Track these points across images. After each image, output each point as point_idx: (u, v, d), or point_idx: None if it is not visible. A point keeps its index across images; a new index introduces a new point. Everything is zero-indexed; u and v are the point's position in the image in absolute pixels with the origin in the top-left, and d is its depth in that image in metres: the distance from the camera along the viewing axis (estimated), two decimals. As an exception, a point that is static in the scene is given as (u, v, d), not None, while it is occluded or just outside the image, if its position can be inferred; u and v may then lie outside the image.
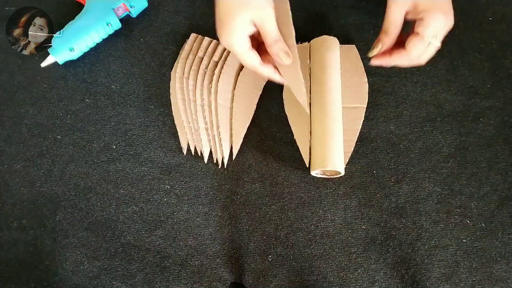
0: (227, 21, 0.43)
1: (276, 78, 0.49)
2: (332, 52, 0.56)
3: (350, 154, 0.55)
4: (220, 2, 0.44)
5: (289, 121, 0.57)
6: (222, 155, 0.57)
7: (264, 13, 0.43)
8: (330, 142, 0.52)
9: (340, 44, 0.58)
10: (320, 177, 0.56)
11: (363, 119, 0.56)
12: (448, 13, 0.45)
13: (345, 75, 0.57)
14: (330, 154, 0.51)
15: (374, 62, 0.49)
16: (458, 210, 0.55)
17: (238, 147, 0.57)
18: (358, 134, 0.55)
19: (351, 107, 0.56)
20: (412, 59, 0.47)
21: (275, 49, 0.45)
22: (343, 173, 0.52)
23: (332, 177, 0.55)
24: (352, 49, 0.59)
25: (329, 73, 0.55)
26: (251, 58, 0.45)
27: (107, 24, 0.59)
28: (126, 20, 0.63)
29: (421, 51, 0.46)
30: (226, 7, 0.43)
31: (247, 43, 0.44)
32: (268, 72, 0.48)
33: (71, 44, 0.58)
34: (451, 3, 0.46)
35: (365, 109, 0.56)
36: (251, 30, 0.44)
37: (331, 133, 0.52)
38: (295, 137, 0.56)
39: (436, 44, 0.46)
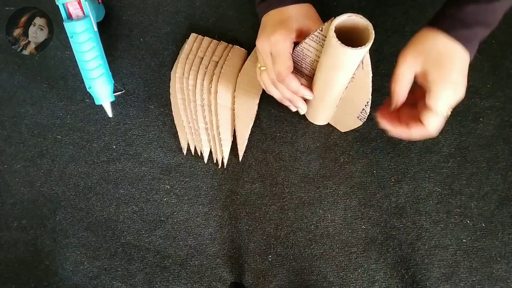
0: (280, 25, 0.45)
1: (305, 93, 0.47)
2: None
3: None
4: (268, 13, 0.47)
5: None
6: (222, 155, 0.57)
7: (309, 24, 0.46)
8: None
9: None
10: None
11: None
12: (457, 85, 0.43)
13: None
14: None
15: (393, 133, 0.47)
16: (458, 210, 0.55)
17: (244, 148, 0.57)
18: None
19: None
20: (430, 132, 0.46)
21: None
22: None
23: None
24: None
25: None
26: (290, 63, 0.45)
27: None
28: (126, 20, 0.63)
29: (439, 124, 0.45)
30: (278, 16, 0.46)
31: (291, 48, 0.45)
32: (295, 84, 0.46)
33: (111, 81, 0.58)
34: (462, 73, 0.43)
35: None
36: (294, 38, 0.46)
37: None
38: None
39: (448, 114, 0.45)
